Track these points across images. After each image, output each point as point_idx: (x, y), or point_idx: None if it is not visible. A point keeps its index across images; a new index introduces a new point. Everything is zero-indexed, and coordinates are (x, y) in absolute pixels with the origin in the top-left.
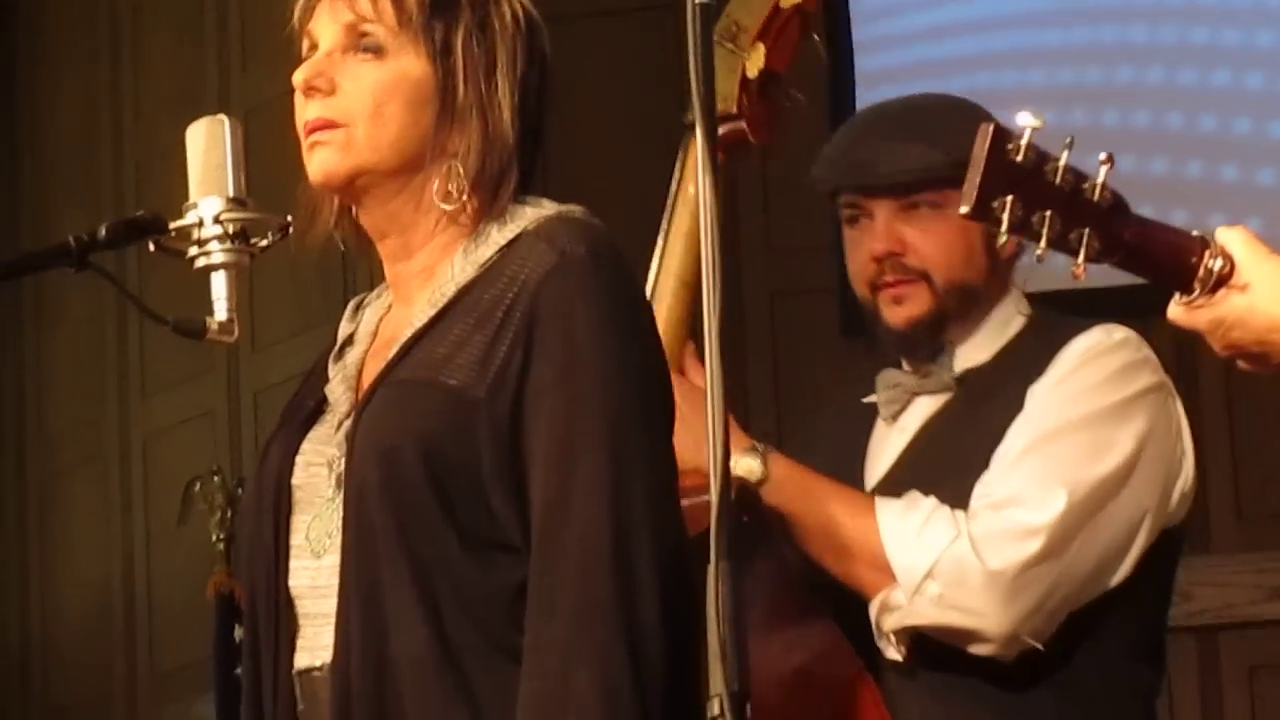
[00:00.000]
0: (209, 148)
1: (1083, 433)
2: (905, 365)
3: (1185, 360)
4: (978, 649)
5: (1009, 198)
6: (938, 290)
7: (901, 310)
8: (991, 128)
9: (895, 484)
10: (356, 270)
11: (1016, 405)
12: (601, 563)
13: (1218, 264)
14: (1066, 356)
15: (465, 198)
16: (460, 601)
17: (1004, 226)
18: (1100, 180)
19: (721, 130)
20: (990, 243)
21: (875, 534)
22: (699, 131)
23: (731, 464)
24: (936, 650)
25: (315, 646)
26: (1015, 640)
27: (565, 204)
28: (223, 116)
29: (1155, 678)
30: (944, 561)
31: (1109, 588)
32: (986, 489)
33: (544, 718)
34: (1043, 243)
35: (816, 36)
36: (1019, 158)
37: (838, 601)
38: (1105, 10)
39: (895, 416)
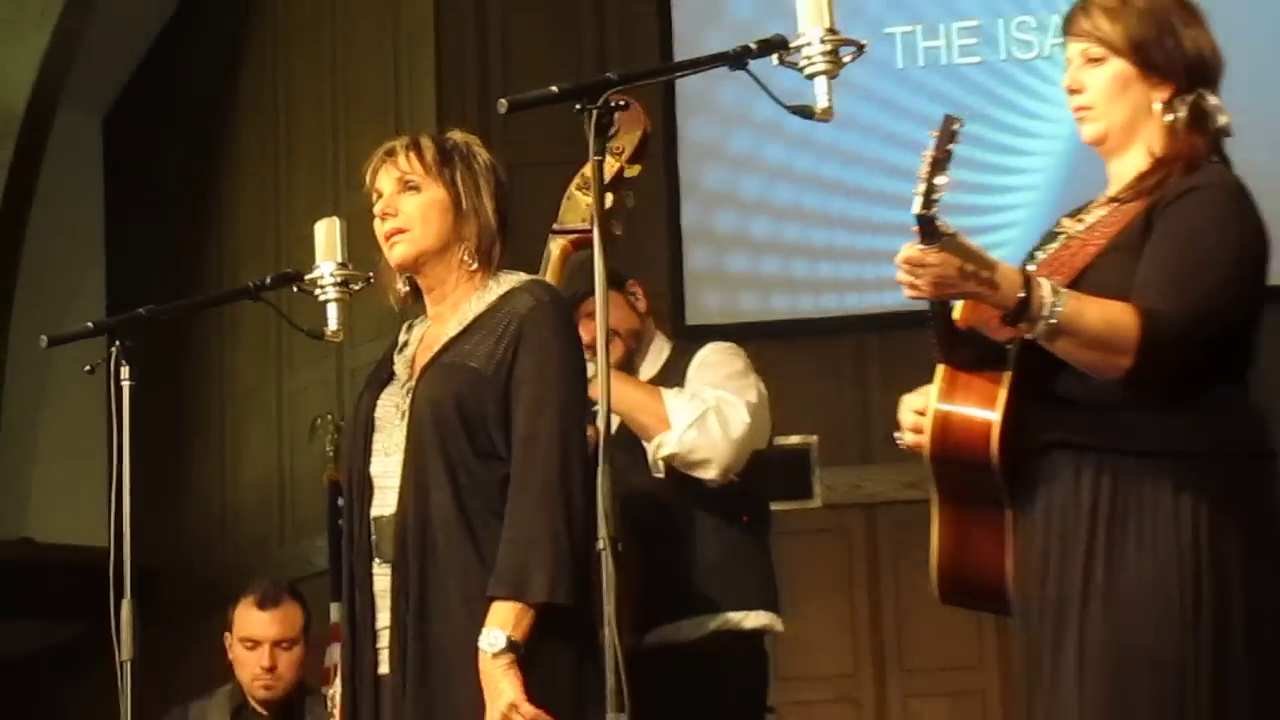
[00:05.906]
0: (328, 233)
1: (734, 380)
2: None
3: None
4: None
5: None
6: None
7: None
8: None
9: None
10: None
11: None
12: (557, 470)
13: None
14: (701, 352)
15: (475, 263)
16: (471, 484)
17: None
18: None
19: (578, 235)
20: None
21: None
22: (596, 248)
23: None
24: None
25: (383, 504)
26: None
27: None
28: (335, 218)
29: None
30: None
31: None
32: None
33: (516, 550)
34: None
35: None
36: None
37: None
38: None
39: None
